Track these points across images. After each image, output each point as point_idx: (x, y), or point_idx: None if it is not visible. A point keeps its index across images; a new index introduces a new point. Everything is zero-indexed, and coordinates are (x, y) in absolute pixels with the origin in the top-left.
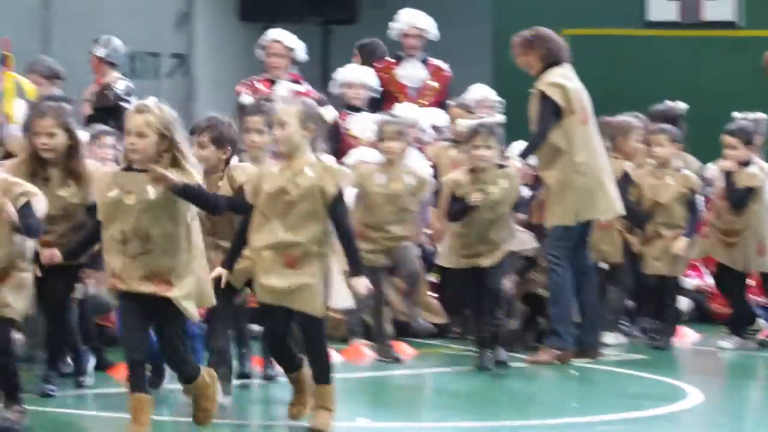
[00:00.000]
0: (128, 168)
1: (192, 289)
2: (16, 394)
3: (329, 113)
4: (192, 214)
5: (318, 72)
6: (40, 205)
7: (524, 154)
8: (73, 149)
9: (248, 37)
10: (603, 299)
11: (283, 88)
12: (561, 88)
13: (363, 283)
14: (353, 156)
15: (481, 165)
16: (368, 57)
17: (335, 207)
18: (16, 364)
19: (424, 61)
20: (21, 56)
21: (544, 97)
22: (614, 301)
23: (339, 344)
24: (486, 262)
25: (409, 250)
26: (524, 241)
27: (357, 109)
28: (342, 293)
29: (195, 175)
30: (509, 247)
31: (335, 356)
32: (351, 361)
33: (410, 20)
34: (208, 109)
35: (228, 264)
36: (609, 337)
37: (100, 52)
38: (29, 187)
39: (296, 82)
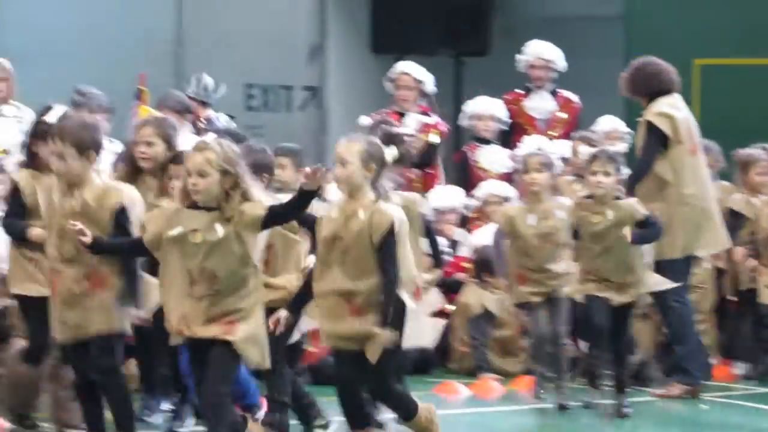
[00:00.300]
0: (192, 206)
1: (254, 333)
2: (131, 425)
3: (391, 152)
4: (258, 254)
5: (450, 104)
6: (135, 214)
7: (629, 186)
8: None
9: (380, 70)
10: (737, 330)
11: (413, 120)
12: (669, 117)
13: (389, 337)
14: (483, 189)
15: (598, 192)
16: None
17: (381, 252)
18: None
19: (554, 93)
20: (155, 90)
21: (651, 127)
22: (746, 332)
23: (467, 378)
24: (616, 299)
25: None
26: (658, 283)
27: (486, 141)
28: (422, 332)
29: (264, 204)
30: (643, 288)
31: (463, 390)
32: (479, 396)
33: (536, 51)
34: None
35: (293, 307)
36: (741, 369)
37: (189, 91)
38: (127, 193)
39: (426, 114)
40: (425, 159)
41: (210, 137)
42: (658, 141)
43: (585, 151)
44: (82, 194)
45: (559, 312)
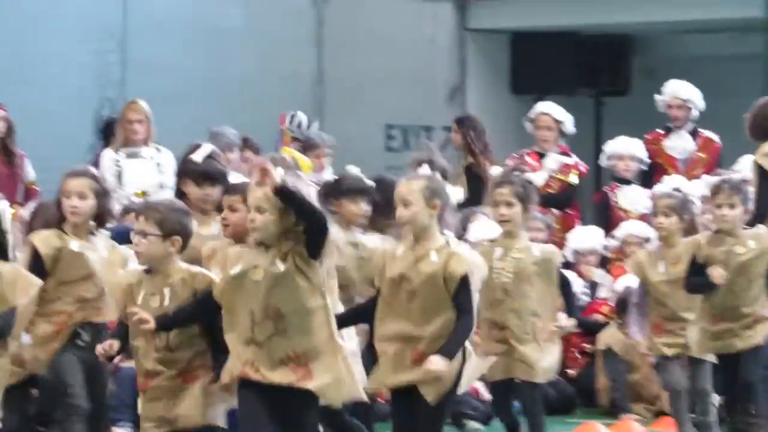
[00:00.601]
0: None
1: (337, 373)
2: None
3: (457, 193)
4: (328, 287)
5: (590, 144)
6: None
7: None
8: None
9: (519, 110)
10: None
11: (552, 160)
12: None
13: (439, 363)
14: (622, 229)
15: (725, 226)
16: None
17: (457, 297)
18: None
19: (694, 132)
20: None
21: (761, 170)
22: None
23: (610, 419)
24: (739, 344)
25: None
26: None
27: (626, 182)
28: (471, 374)
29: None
30: None
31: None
32: None
33: (673, 91)
34: None
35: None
36: None
37: (283, 126)
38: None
39: (565, 154)
40: (565, 199)
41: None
42: None
43: (708, 180)
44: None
45: (702, 368)
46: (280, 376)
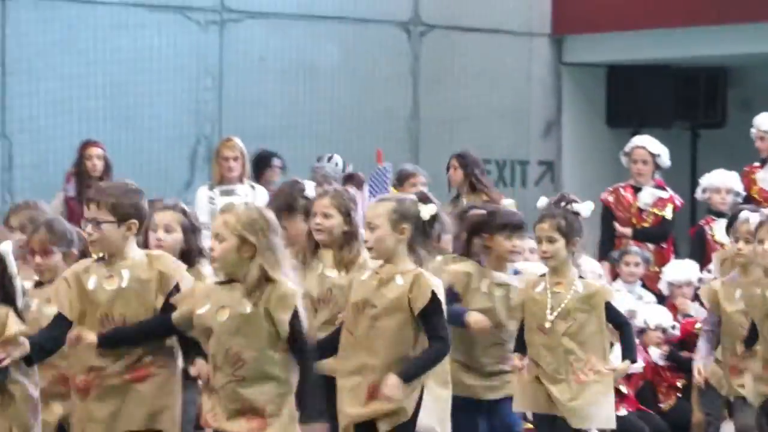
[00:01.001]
0: (225, 281)
1: (289, 425)
2: None
3: (427, 210)
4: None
5: (686, 177)
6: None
7: None
8: (348, 235)
9: (615, 143)
10: None
11: (647, 194)
12: None
13: (394, 387)
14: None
15: (765, 263)
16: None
17: (427, 321)
18: None
19: None
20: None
21: None
22: None
23: None
24: None
25: None
26: None
27: (722, 215)
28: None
29: (289, 284)
30: None
31: None
32: None
33: (759, 123)
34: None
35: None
36: None
37: (317, 164)
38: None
39: (661, 188)
40: (660, 233)
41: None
42: None
43: (752, 218)
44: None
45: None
46: (236, 427)
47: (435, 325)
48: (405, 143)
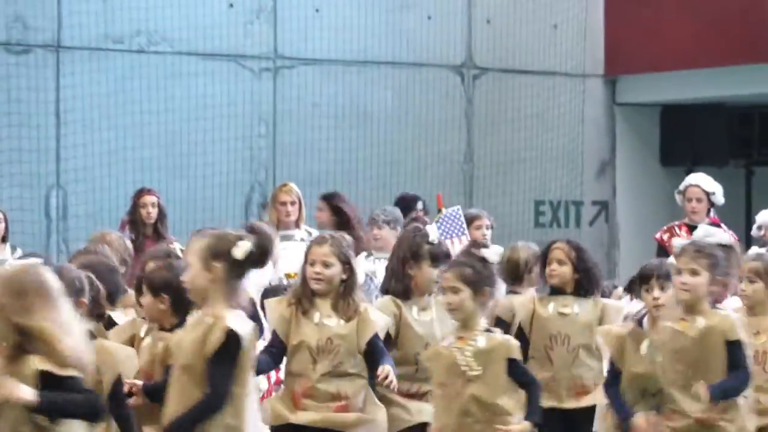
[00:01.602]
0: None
1: None
2: None
3: (243, 248)
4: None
5: (741, 214)
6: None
7: None
8: (347, 282)
9: (669, 182)
10: None
11: (702, 232)
12: None
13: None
14: None
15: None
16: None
17: (210, 371)
18: None
19: None
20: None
21: None
22: None
23: None
24: None
25: None
26: None
27: None
28: None
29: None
30: None
31: None
32: None
33: None
34: (631, 255)
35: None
36: None
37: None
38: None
39: (716, 225)
40: None
41: None
42: None
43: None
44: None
45: None
46: None
47: (213, 371)
48: (459, 186)
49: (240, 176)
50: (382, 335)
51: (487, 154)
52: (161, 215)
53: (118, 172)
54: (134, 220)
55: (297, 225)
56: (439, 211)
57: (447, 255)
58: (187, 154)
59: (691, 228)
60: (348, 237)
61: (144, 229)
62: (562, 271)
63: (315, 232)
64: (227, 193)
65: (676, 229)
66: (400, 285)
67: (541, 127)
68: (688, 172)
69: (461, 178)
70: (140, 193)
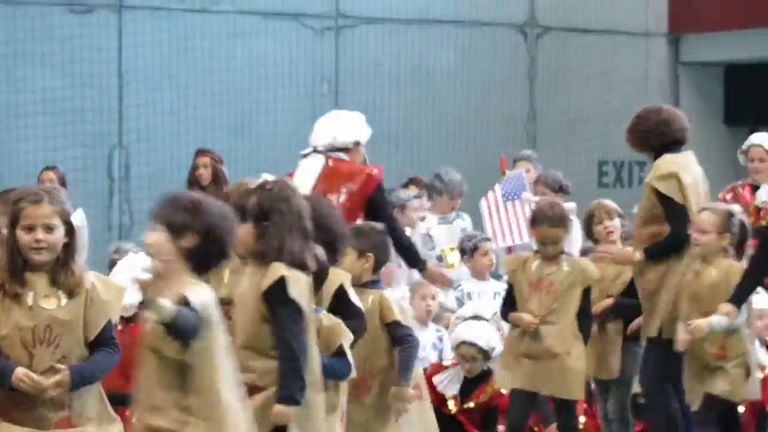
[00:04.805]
0: None
1: None
2: None
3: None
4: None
5: None
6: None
7: None
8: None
9: (733, 142)
10: None
11: (766, 192)
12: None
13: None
14: None
15: None
16: None
17: None
18: None
19: None
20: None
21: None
22: None
23: None
24: None
25: None
26: None
27: None
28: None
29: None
30: None
31: None
32: None
33: None
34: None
35: None
36: None
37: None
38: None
39: None
40: None
41: None
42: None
43: None
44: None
45: None
46: None
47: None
48: (523, 145)
49: (302, 135)
50: None
51: (550, 113)
52: (216, 176)
53: (180, 131)
54: (190, 181)
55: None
56: (503, 174)
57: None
58: (249, 112)
59: (755, 188)
60: None
61: (201, 189)
62: None
63: None
64: (289, 152)
65: (740, 189)
66: None
67: (604, 87)
68: (751, 132)
69: (524, 138)
70: (197, 153)
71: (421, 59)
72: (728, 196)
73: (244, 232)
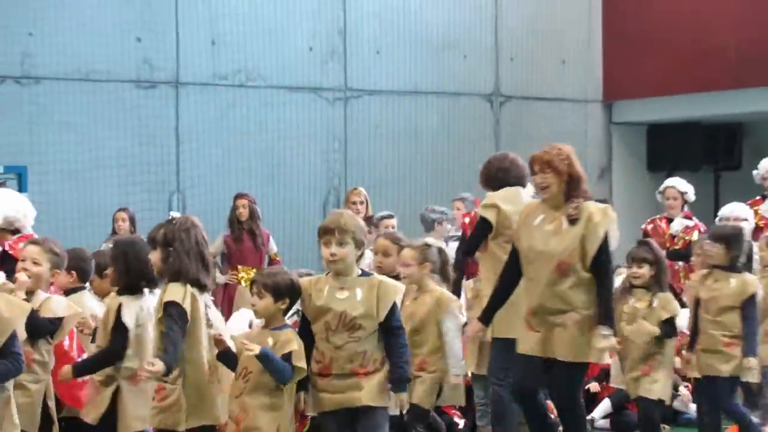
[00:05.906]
0: None
1: None
2: None
3: None
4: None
5: (710, 209)
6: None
7: None
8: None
9: (654, 184)
10: None
11: (678, 224)
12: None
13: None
14: None
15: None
16: None
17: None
18: None
19: None
20: None
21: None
22: None
23: None
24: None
25: None
26: None
27: None
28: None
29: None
30: None
31: None
32: None
33: (763, 167)
34: (623, 241)
35: None
36: None
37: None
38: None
39: (688, 218)
40: (688, 254)
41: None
42: None
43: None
44: None
45: None
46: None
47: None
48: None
49: (319, 183)
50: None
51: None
52: (252, 214)
53: (224, 179)
54: (231, 219)
55: (365, 219)
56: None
57: None
58: (277, 165)
59: (670, 220)
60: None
61: (239, 225)
62: None
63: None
64: (309, 196)
65: (658, 221)
66: None
67: (553, 142)
68: (668, 177)
69: None
70: (236, 196)
71: (411, 122)
72: (649, 227)
73: (155, 258)
